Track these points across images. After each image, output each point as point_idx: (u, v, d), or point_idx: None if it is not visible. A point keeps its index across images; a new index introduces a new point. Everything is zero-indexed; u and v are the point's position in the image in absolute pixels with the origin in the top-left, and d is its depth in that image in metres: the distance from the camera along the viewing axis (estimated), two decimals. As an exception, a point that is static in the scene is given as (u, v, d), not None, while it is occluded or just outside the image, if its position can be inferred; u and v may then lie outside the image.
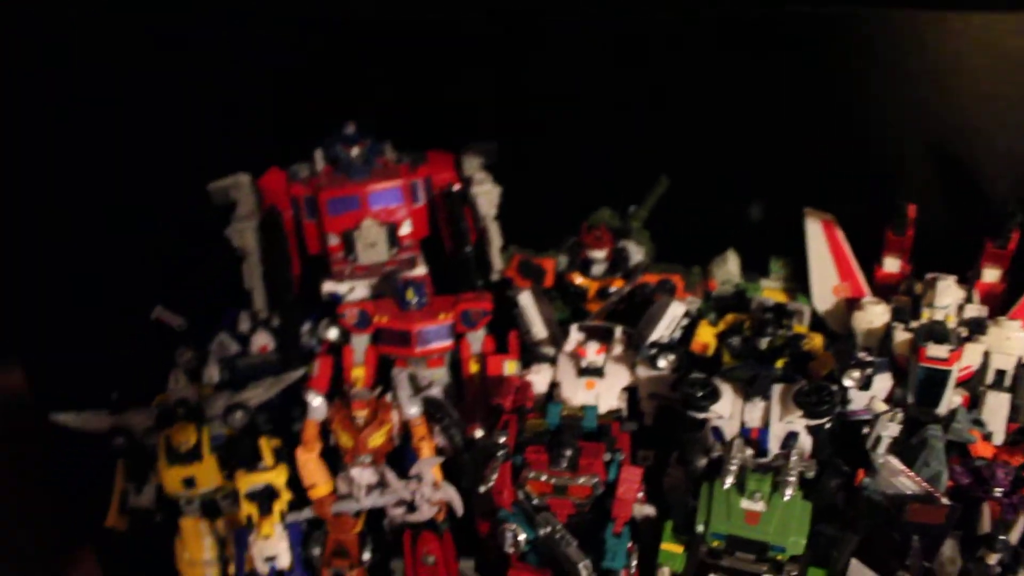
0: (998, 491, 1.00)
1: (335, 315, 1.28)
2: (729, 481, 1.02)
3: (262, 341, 1.31)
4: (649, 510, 1.13)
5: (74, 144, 1.40)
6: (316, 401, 1.18)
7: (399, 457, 1.20)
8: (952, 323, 1.14)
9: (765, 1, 1.20)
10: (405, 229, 1.34)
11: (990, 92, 1.23)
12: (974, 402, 1.13)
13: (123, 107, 1.41)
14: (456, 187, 1.35)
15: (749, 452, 1.06)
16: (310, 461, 1.17)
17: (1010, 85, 1.23)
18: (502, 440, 1.07)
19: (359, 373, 1.27)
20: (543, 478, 1.07)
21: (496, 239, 1.37)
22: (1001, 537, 0.90)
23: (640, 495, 1.10)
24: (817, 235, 1.24)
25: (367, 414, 1.16)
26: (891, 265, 1.24)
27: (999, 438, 1.10)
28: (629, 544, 1.07)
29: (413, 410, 1.17)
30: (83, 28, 1.38)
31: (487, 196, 1.37)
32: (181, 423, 1.19)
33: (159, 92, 1.41)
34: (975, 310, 1.16)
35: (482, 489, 1.06)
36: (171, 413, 1.20)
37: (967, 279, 1.19)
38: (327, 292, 1.34)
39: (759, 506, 1.02)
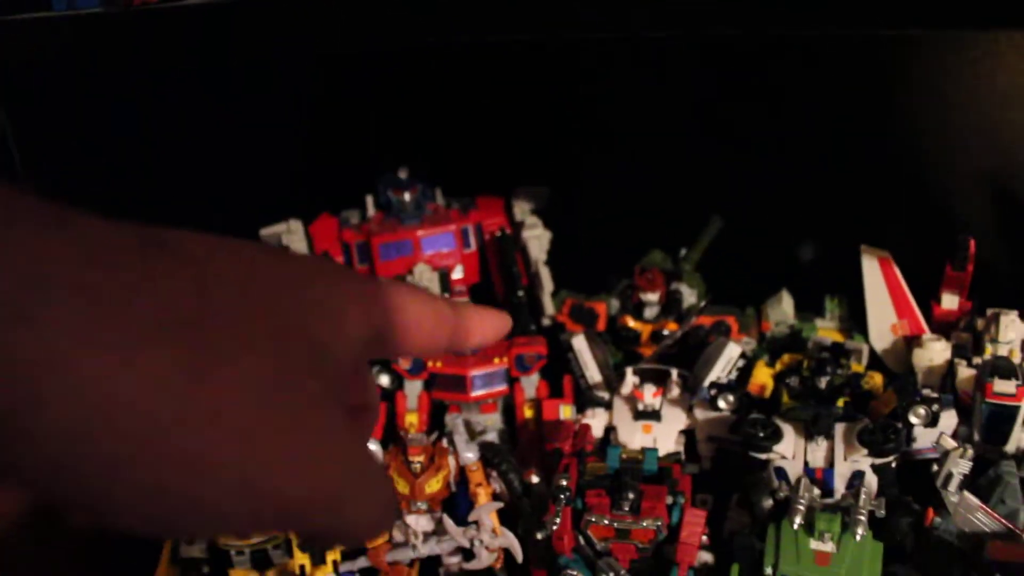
0: (1077, 528, 0.98)
1: (387, 361, 1.28)
2: (798, 521, 1.00)
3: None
4: (707, 556, 1.11)
5: (124, 198, 1.42)
6: (372, 447, 1.18)
7: (451, 505, 1.19)
8: (1017, 359, 1.12)
9: (812, 26, 1.21)
10: (457, 274, 1.34)
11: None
12: (1042, 439, 1.11)
13: (173, 158, 1.43)
14: (507, 232, 1.36)
15: (816, 492, 1.04)
16: (366, 508, 1.16)
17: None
18: (564, 483, 1.05)
19: (412, 419, 1.26)
20: (605, 522, 1.05)
21: (547, 283, 1.38)
22: (1086, 574, 0.88)
23: (704, 539, 1.08)
24: (874, 272, 1.23)
25: (424, 459, 1.15)
26: (949, 301, 1.23)
27: (1073, 474, 1.07)
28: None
29: (470, 455, 1.16)
30: (130, 79, 1.41)
31: (538, 241, 1.38)
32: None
33: (209, 142, 1.43)
34: (1039, 345, 1.14)
35: (541, 535, 1.05)
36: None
37: (1030, 314, 1.18)
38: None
39: (829, 547, 1.00)
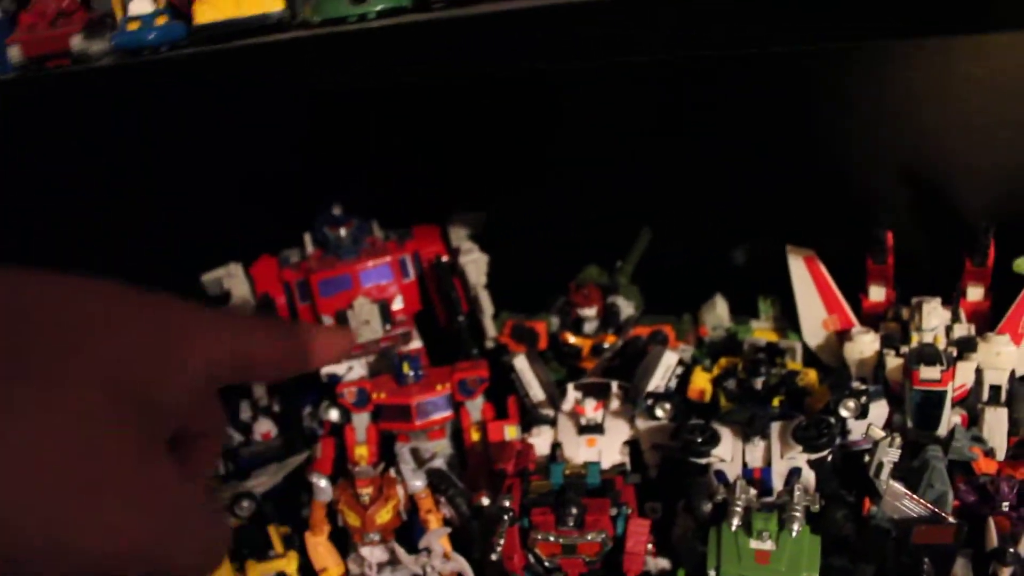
0: (1005, 505, 1.00)
1: (335, 396, 1.30)
2: (735, 522, 1.02)
3: (264, 428, 1.33)
4: (663, 563, 1.13)
5: (59, 243, 1.44)
6: (322, 483, 1.19)
7: (407, 533, 1.20)
8: (942, 344, 1.15)
9: (733, 45, 1.23)
10: (397, 304, 1.36)
11: (958, 116, 1.26)
12: (973, 420, 1.13)
13: (108, 209, 1.45)
14: (443, 259, 1.38)
15: (753, 492, 1.06)
16: (319, 544, 1.18)
17: (978, 106, 1.25)
18: (507, 504, 1.07)
19: (363, 451, 1.27)
20: (551, 539, 1.07)
21: (488, 306, 1.39)
22: (1011, 550, 0.90)
23: (650, 547, 1.10)
24: (800, 271, 1.26)
25: (372, 491, 1.17)
26: (876, 294, 1.25)
27: (1001, 453, 1.09)
28: (645, 598, 1.08)
29: (418, 483, 1.18)
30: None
31: (475, 265, 1.40)
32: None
33: (145, 191, 1.45)
34: (963, 329, 1.16)
35: (493, 556, 1.06)
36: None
37: (952, 300, 1.20)
38: (325, 373, 1.35)
39: (768, 545, 1.02)
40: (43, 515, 0.35)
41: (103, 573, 0.38)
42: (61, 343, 0.38)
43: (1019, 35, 1.23)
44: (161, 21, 0.96)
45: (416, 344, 1.36)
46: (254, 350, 0.47)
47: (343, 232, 1.38)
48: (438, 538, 1.13)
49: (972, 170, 1.27)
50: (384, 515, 1.16)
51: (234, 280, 1.39)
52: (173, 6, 0.99)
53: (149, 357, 0.41)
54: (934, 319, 1.16)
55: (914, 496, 0.97)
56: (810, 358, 1.27)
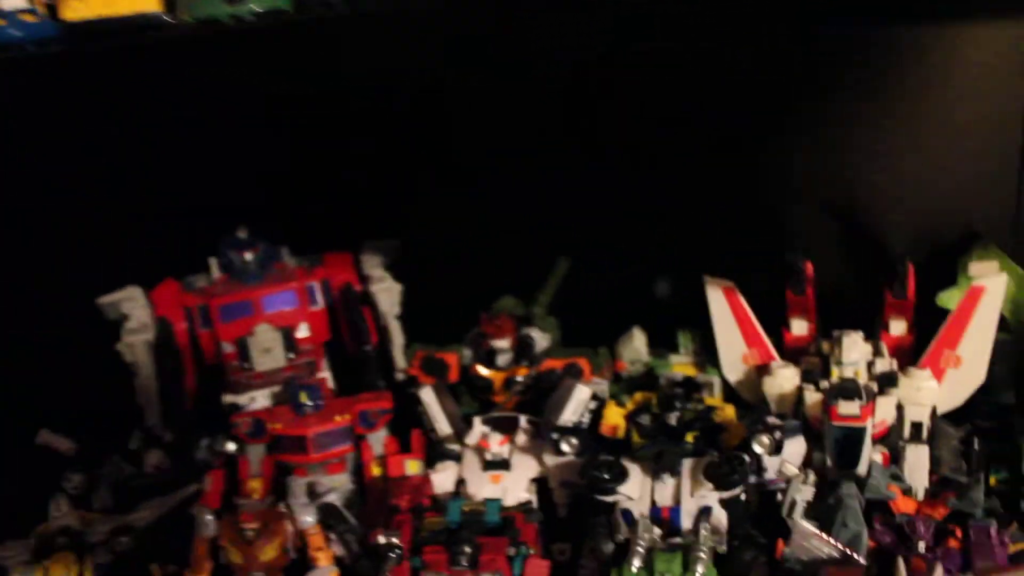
0: (920, 546, 0.94)
1: (229, 426, 1.22)
2: (636, 564, 0.96)
3: (154, 459, 1.25)
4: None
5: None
6: (205, 517, 1.11)
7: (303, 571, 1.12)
8: (863, 379, 1.09)
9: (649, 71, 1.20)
10: (302, 332, 1.29)
11: (878, 147, 1.22)
12: (894, 458, 1.08)
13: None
14: (353, 287, 1.32)
15: (657, 532, 1.00)
16: (200, 584, 1.09)
17: (898, 137, 1.23)
18: (394, 541, 1.00)
19: (256, 485, 1.19)
20: (442, 578, 1.00)
21: (398, 337, 1.33)
22: (921, 595, 0.84)
23: (550, 590, 1.03)
24: (719, 303, 1.20)
25: (258, 526, 1.09)
26: (798, 327, 1.20)
27: (921, 492, 1.04)
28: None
29: (307, 518, 1.10)
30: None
31: (387, 294, 1.34)
32: (61, 553, 1.11)
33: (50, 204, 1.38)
34: (885, 364, 1.12)
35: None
36: (50, 543, 1.12)
37: (874, 334, 1.16)
38: (227, 403, 1.28)
39: (671, 588, 0.95)
40: None
41: None
42: None
43: (940, 66, 1.21)
44: (28, 18, 0.91)
45: (323, 374, 1.30)
46: None
47: (248, 256, 1.31)
48: (323, 578, 1.05)
49: (894, 205, 1.23)
50: (269, 552, 1.08)
51: (133, 304, 1.32)
52: (47, 4, 0.94)
53: None
54: (855, 353, 1.11)
55: (823, 536, 0.91)
56: (730, 393, 1.21)
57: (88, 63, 0.92)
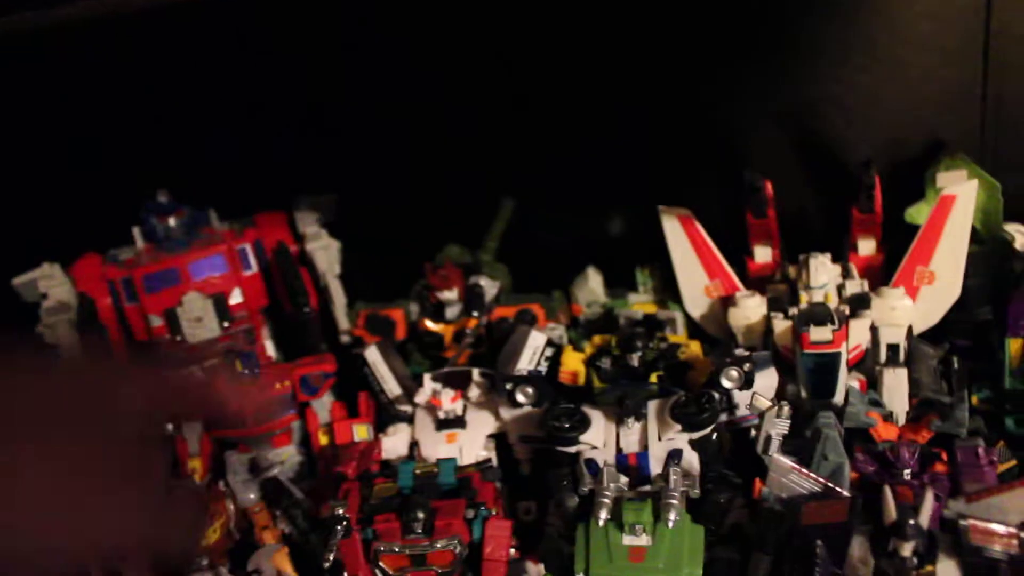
0: (906, 473, 0.88)
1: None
2: (603, 516, 0.89)
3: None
4: (539, 569, 0.98)
5: None
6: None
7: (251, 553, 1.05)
8: (833, 303, 1.03)
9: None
10: (235, 299, 1.20)
11: (836, 52, 1.15)
12: (872, 384, 1.01)
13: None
14: (286, 246, 1.23)
15: (624, 480, 0.93)
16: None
17: (857, 40, 1.15)
18: (340, 512, 0.92)
19: (196, 464, 1.11)
20: (396, 549, 0.92)
21: (339, 296, 1.25)
22: (911, 522, 0.77)
23: (513, 551, 0.95)
24: (677, 234, 1.13)
25: (195, 509, 1.01)
26: (762, 254, 1.13)
27: (902, 417, 0.97)
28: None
29: (249, 495, 1.03)
30: None
31: (325, 252, 1.26)
32: None
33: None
34: (855, 285, 1.05)
35: (326, 568, 0.91)
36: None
37: (842, 255, 1.09)
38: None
39: (643, 540, 0.88)
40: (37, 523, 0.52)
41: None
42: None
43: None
44: None
45: (265, 342, 1.22)
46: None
47: (172, 222, 1.22)
48: (268, 557, 0.97)
49: (855, 118, 1.16)
50: (210, 535, 1.00)
51: (52, 282, 1.23)
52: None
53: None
54: (823, 276, 1.04)
55: (802, 470, 0.85)
56: (694, 329, 1.14)
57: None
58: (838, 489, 0.83)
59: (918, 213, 1.11)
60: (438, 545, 0.92)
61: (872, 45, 1.15)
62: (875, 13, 1.12)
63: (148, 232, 1.24)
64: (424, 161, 1.25)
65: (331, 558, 0.89)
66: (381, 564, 0.93)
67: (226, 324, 1.18)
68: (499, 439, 1.09)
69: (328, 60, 1.24)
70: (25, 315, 1.23)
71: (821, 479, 0.84)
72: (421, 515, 0.92)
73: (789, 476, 0.85)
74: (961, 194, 1.04)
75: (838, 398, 1.00)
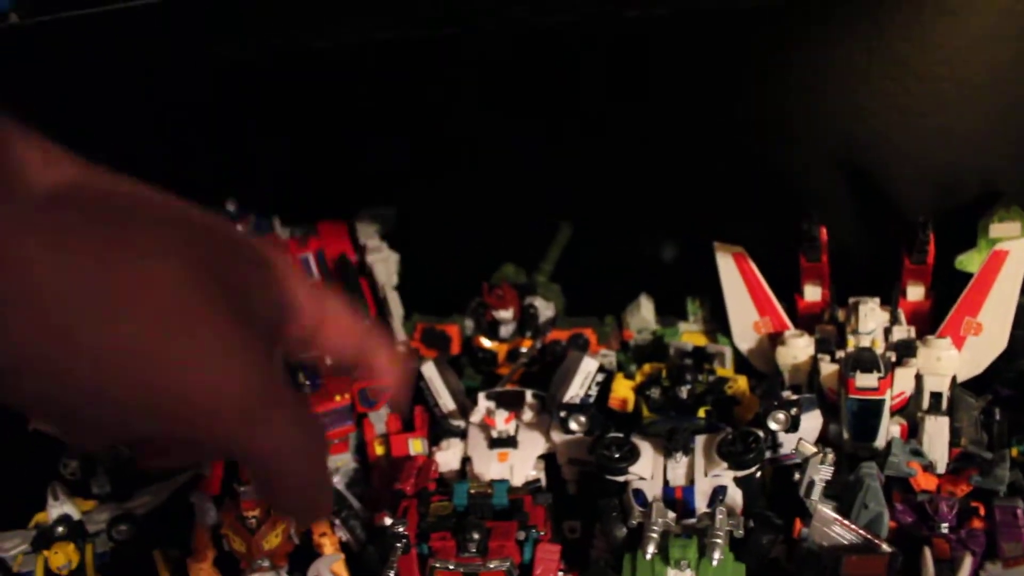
0: (943, 526, 0.91)
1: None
2: (651, 550, 0.93)
3: (151, 444, 1.21)
4: (584, 588, 1.03)
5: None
6: (205, 505, 1.08)
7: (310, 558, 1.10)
8: (880, 348, 1.06)
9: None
10: (297, 308, 1.25)
11: (895, 104, 1.17)
12: (913, 431, 1.04)
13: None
14: (348, 258, 1.27)
15: (672, 515, 0.97)
16: (202, 572, 1.06)
17: (915, 93, 1.17)
18: (400, 530, 0.97)
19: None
20: (451, 567, 0.97)
21: (397, 308, 1.29)
22: (948, 582, 0.81)
23: (561, 574, 1.00)
24: (729, 269, 1.16)
25: (259, 513, 1.06)
26: (811, 293, 1.16)
27: (942, 466, 1.00)
28: (559, 629, 0.98)
29: (310, 504, 1.07)
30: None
31: (384, 264, 1.30)
32: (60, 543, 1.08)
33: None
34: (902, 332, 1.08)
35: (383, 587, 0.96)
36: (50, 533, 1.09)
37: (891, 300, 1.11)
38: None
39: (687, 575, 0.92)
40: (136, 351, 0.40)
41: (188, 422, 0.43)
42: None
43: (957, 12, 1.15)
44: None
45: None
46: (329, 319, 0.55)
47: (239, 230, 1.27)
48: (328, 566, 1.02)
49: (910, 162, 1.18)
50: (272, 539, 1.05)
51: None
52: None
53: (252, 274, 0.49)
54: (871, 321, 1.07)
55: (845, 522, 0.88)
56: (741, 363, 1.18)
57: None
58: (878, 542, 0.87)
59: (969, 261, 1.13)
60: (491, 565, 0.96)
61: (932, 91, 1.16)
62: (941, 63, 1.14)
63: (216, 238, 1.28)
64: (486, 181, 1.28)
65: (392, 573, 0.94)
66: (435, 580, 0.98)
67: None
68: (548, 458, 1.14)
69: (393, 75, 1.27)
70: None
71: (862, 532, 0.88)
72: (477, 536, 0.97)
73: (832, 527, 0.88)
74: (1014, 249, 1.07)
75: (879, 442, 1.03)
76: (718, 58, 1.17)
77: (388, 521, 1.08)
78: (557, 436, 1.10)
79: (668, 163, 1.21)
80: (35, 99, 1.26)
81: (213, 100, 1.30)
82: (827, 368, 1.07)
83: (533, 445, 1.12)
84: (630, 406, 1.13)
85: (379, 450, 1.17)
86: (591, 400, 1.14)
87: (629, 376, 1.16)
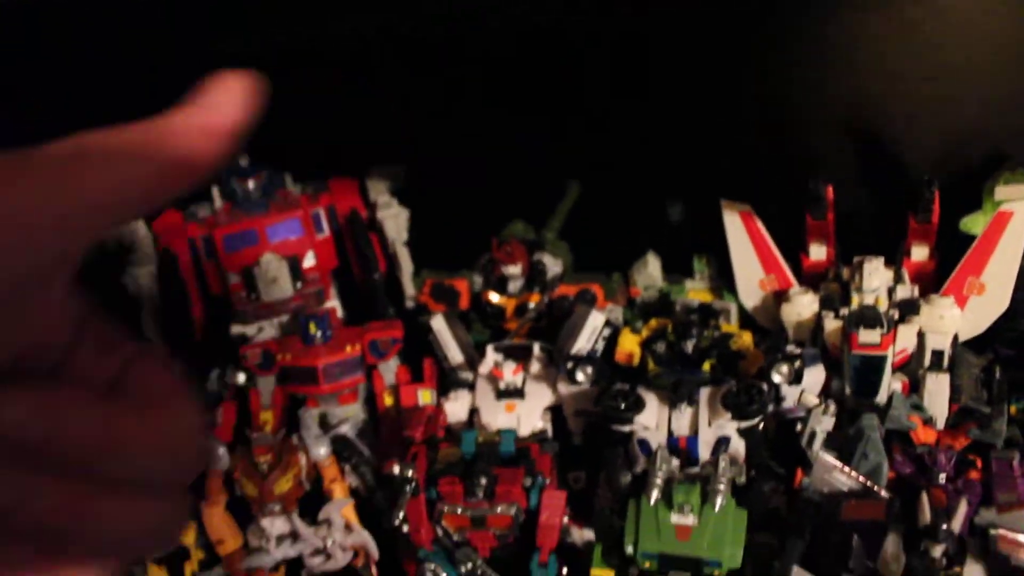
0: (941, 477, 0.94)
1: (238, 358, 1.20)
2: (655, 495, 0.95)
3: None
4: (589, 534, 1.05)
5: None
6: (218, 450, 1.11)
7: (317, 502, 1.12)
8: (883, 306, 1.07)
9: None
10: (309, 261, 1.26)
11: (902, 64, 1.18)
12: (914, 387, 1.06)
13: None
14: (359, 213, 1.29)
15: (676, 462, 0.99)
16: (215, 515, 1.09)
17: (922, 54, 1.18)
18: (410, 474, 0.99)
19: (268, 417, 1.18)
20: (459, 511, 1.00)
21: (407, 264, 1.30)
22: (944, 527, 0.83)
23: (566, 520, 1.02)
24: (736, 228, 1.17)
25: (271, 459, 1.08)
26: (817, 252, 1.17)
27: (941, 422, 1.02)
28: (563, 571, 1.01)
29: (321, 450, 1.10)
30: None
31: (394, 220, 1.31)
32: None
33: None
34: (906, 290, 1.09)
35: (396, 525, 0.98)
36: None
37: (896, 259, 1.13)
38: (235, 334, 1.26)
39: (690, 520, 0.95)
40: None
41: None
42: None
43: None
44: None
45: (332, 303, 1.28)
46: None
47: (251, 184, 1.28)
48: (339, 509, 1.05)
49: (918, 125, 1.19)
50: (283, 484, 1.08)
51: (135, 236, 1.29)
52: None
53: None
54: (876, 280, 1.08)
55: (844, 468, 0.90)
56: (746, 320, 1.19)
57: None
58: (877, 488, 0.89)
59: (974, 223, 1.14)
60: (498, 509, 0.99)
61: (938, 52, 1.17)
62: (945, 24, 1.15)
63: (227, 192, 1.29)
64: (494, 140, 1.29)
65: (400, 516, 0.96)
66: (443, 523, 1.01)
67: (299, 285, 1.24)
68: (554, 411, 1.16)
69: (404, 31, 1.28)
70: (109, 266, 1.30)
71: (861, 478, 0.90)
72: (484, 481, 0.99)
73: (832, 473, 0.90)
74: (1019, 211, 1.08)
75: (881, 397, 1.05)
76: (728, 19, 1.18)
77: (397, 469, 1.11)
78: (564, 388, 1.13)
79: (676, 122, 1.22)
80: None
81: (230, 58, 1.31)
82: (831, 324, 1.09)
83: (540, 397, 1.14)
84: (636, 360, 1.15)
85: (388, 400, 1.19)
86: (597, 355, 1.15)
87: (636, 331, 1.18)
